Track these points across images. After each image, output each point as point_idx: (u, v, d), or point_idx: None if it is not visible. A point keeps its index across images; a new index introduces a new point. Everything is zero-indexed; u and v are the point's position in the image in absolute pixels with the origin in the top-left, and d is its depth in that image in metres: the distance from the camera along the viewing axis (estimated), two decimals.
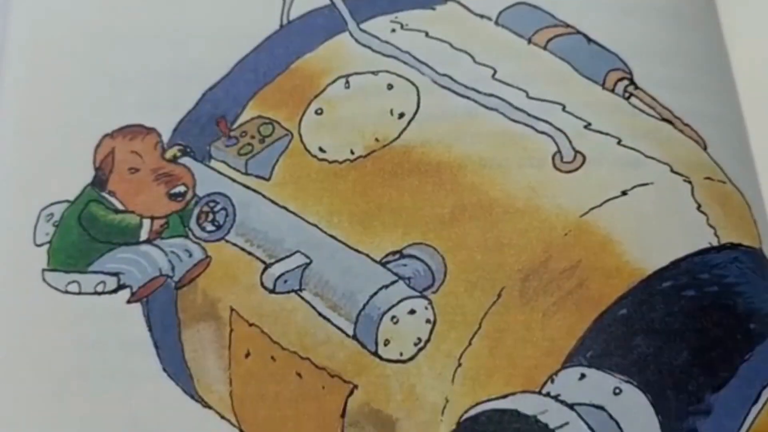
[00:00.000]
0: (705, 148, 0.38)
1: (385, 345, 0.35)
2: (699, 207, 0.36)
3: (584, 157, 0.37)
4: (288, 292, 0.36)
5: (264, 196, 0.38)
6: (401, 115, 0.38)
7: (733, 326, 0.35)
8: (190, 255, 0.38)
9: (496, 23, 0.40)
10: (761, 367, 0.34)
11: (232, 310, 0.37)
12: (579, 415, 0.33)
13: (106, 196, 0.39)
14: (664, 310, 0.34)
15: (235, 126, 0.39)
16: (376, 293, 0.35)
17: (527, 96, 0.38)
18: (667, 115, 0.38)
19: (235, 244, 0.38)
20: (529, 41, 0.39)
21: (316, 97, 0.39)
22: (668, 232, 0.36)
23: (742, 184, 0.38)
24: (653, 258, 0.35)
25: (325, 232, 0.37)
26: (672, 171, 0.37)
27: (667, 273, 0.35)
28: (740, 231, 0.37)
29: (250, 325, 0.36)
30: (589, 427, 0.33)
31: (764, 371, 0.34)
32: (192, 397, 0.36)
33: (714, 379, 0.34)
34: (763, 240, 0.37)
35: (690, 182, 0.37)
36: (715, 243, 0.36)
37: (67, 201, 0.39)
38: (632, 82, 0.38)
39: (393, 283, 0.36)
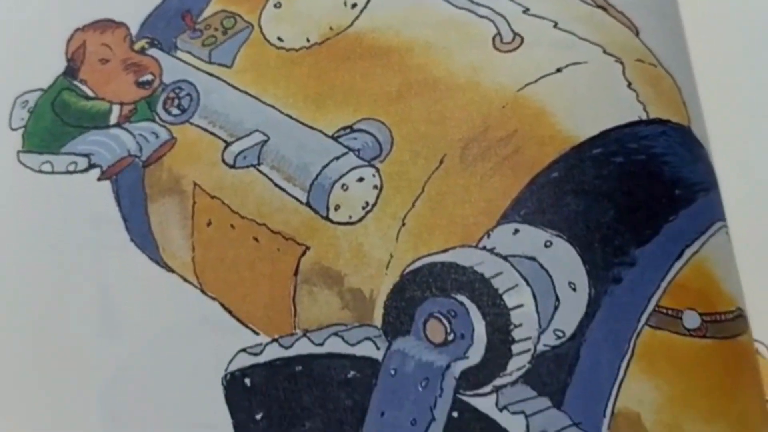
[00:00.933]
0: (637, 34, 0.40)
1: (336, 210, 0.38)
2: (629, 85, 0.39)
3: (522, 39, 0.39)
4: (247, 166, 0.39)
5: (226, 82, 0.41)
6: (353, 6, 0.41)
7: (659, 191, 0.37)
8: (157, 137, 0.40)
9: None
10: (685, 228, 0.37)
11: (195, 184, 0.39)
12: (512, 265, 0.35)
13: (78, 84, 0.41)
14: (594, 173, 0.37)
15: (199, 20, 0.42)
16: (328, 164, 0.38)
17: None
18: (601, 2, 0.40)
19: (198, 126, 0.40)
20: None
21: None
22: (599, 106, 0.38)
23: (673, 69, 0.40)
24: (584, 128, 0.38)
25: (282, 112, 0.40)
26: (604, 52, 0.39)
27: (597, 141, 0.37)
28: (670, 109, 0.39)
29: (212, 197, 0.39)
30: (522, 276, 0.35)
31: (688, 232, 0.37)
32: (157, 263, 0.39)
33: (639, 235, 0.36)
34: (692, 121, 0.40)
35: (621, 63, 0.39)
36: (644, 118, 0.38)
37: (41, 89, 0.42)
38: None
39: (343, 154, 0.38)
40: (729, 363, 0.36)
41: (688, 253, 0.36)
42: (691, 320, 0.36)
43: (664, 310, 0.36)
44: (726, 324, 0.36)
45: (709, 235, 0.37)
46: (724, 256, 0.37)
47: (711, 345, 0.36)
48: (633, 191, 0.37)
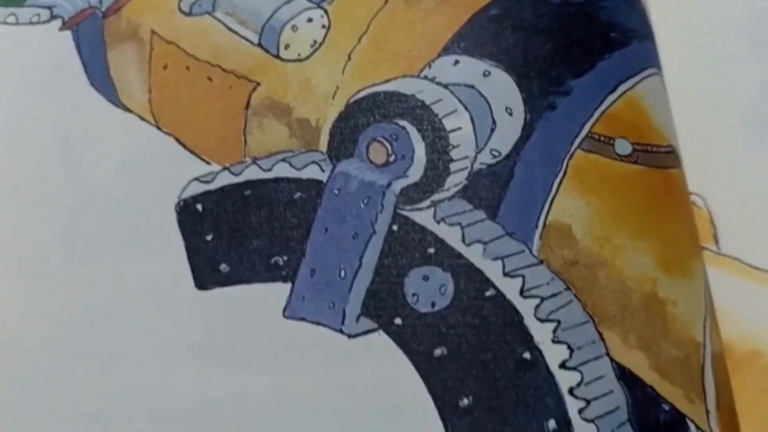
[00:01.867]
0: None
1: (286, 49, 0.39)
2: None
3: None
4: (202, 14, 0.41)
5: None
6: None
7: (595, 31, 0.39)
8: None
9: None
10: (620, 65, 0.38)
11: (152, 32, 0.41)
12: (452, 93, 0.37)
13: None
14: (532, 11, 0.38)
15: None
16: (279, 8, 0.40)
17: None
18: None
19: None
20: None
21: None
22: None
23: None
24: None
25: None
26: None
27: None
28: None
29: (169, 43, 0.41)
30: (461, 102, 0.37)
31: (622, 70, 0.39)
32: (115, 104, 0.40)
33: (574, 68, 0.38)
34: None
35: None
36: None
37: None
38: None
39: None
40: (659, 189, 0.37)
41: (622, 88, 0.38)
42: (623, 147, 0.37)
43: (597, 136, 0.37)
44: (657, 155, 0.38)
45: (643, 76, 0.39)
46: (659, 97, 0.39)
47: (642, 170, 0.37)
48: (569, 29, 0.39)
